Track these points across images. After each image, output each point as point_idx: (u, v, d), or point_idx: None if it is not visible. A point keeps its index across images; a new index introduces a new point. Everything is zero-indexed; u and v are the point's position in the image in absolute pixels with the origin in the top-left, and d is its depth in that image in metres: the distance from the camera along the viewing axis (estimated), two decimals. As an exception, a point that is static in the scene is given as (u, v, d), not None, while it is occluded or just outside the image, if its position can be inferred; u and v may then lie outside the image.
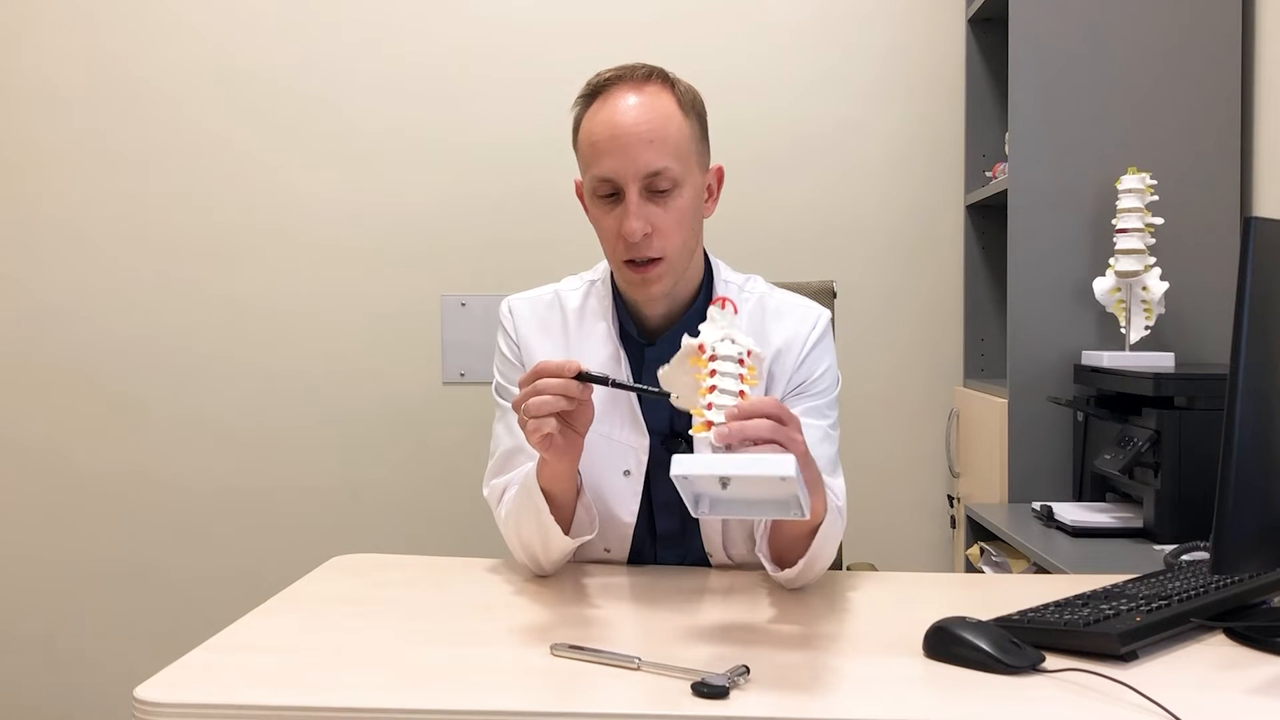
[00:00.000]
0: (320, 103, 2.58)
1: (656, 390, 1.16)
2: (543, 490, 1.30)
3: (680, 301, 1.44)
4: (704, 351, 1.09)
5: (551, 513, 1.31)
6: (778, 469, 1.00)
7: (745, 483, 1.03)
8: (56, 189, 2.61)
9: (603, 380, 1.20)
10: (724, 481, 1.02)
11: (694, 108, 1.40)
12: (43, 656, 2.62)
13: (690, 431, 1.10)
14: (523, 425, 1.21)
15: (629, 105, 1.34)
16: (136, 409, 2.61)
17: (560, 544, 1.34)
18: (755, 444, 1.06)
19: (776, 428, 1.07)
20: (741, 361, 1.10)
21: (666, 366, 1.14)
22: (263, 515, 2.60)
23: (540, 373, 1.19)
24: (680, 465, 1.02)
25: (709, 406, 1.07)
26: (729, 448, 1.06)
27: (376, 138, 2.58)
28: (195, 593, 2.58)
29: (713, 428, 1.06)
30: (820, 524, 1.24)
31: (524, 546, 1.36)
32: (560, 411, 1.19)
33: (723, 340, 1.10)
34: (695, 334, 1.12)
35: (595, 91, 1.38)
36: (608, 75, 1.38)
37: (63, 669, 2.62)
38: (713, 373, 1.08)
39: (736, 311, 1.14)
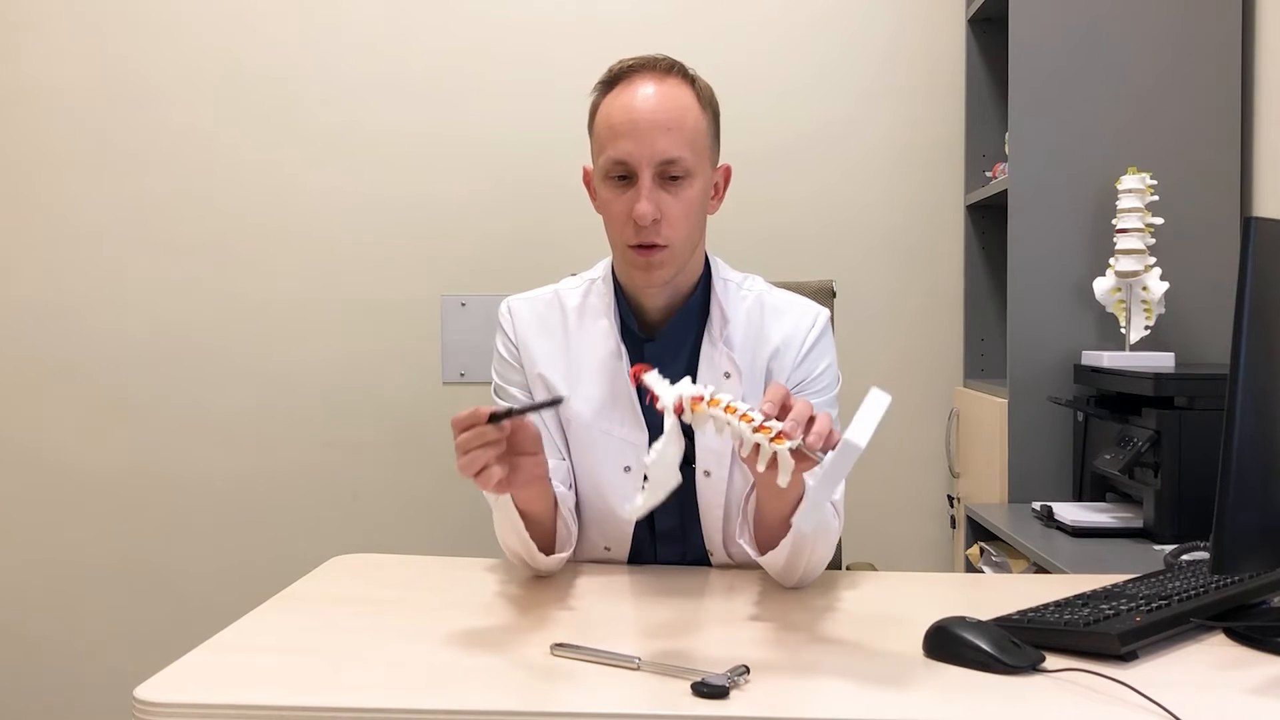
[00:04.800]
0: (320, 102, 2.58)
1: (549, 401, 1.29)
2: (519, 510, 1.30)
3: (680, 295, 1.45)
4: (703, 399, 1.05)
5: (530, 529, 1.31)
6: (886, 400, 1.02)
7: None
8: (56, 188, 2.61)
9: (506, 414, 1.17)
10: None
11: (710, 104, 1.42)
12: (43, 656, 2.62)
13: (764, 450, 1.04)
14: (472, 475, 1.18)
15: (649, 93, 1.36)
16: (136, 408, 2.60)
17: (542, 563, 1.35)
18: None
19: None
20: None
21: (657, 449, 1.05)
22: (263, 515, 2.60)
23: (456, 428, 1.17)
24: (862, 435, 1.00)
25: (760, 428, 1.04)
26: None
27: (376, 137, 2.58)
28: (195, 593, 2.58)
29: (802, 430, 1.04)
30: (799, 501, 1.25)
31: (513, 554, 1.38)
32: (495, 454, 1.17)
33: (702, 387, 1.07)
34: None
35: (616, 78, 1.40)
36: (630, 63, 1.40)
37: (63, 669, 2.62)
38: (729, 408, 1.05)
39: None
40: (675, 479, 1.06)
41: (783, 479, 1.04)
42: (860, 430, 1.00)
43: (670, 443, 1.06)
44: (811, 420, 1.06)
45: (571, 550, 1.41)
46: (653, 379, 1.10)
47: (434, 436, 2.58)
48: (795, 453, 1.04)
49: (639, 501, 1.06)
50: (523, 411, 1.21)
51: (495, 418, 1.18)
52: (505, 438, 1.18)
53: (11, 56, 2.60)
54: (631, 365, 1.43)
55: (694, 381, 1.09)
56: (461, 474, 1.18)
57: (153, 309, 2.60)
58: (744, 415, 1.05)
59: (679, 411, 1.06)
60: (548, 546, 1.35)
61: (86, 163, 2.60)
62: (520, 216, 2.56)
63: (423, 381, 2.59)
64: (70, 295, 2.61)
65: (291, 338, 2.60)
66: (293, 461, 2.60)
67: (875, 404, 1.03)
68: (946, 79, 2.53)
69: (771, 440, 1.03)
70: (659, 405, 1.07)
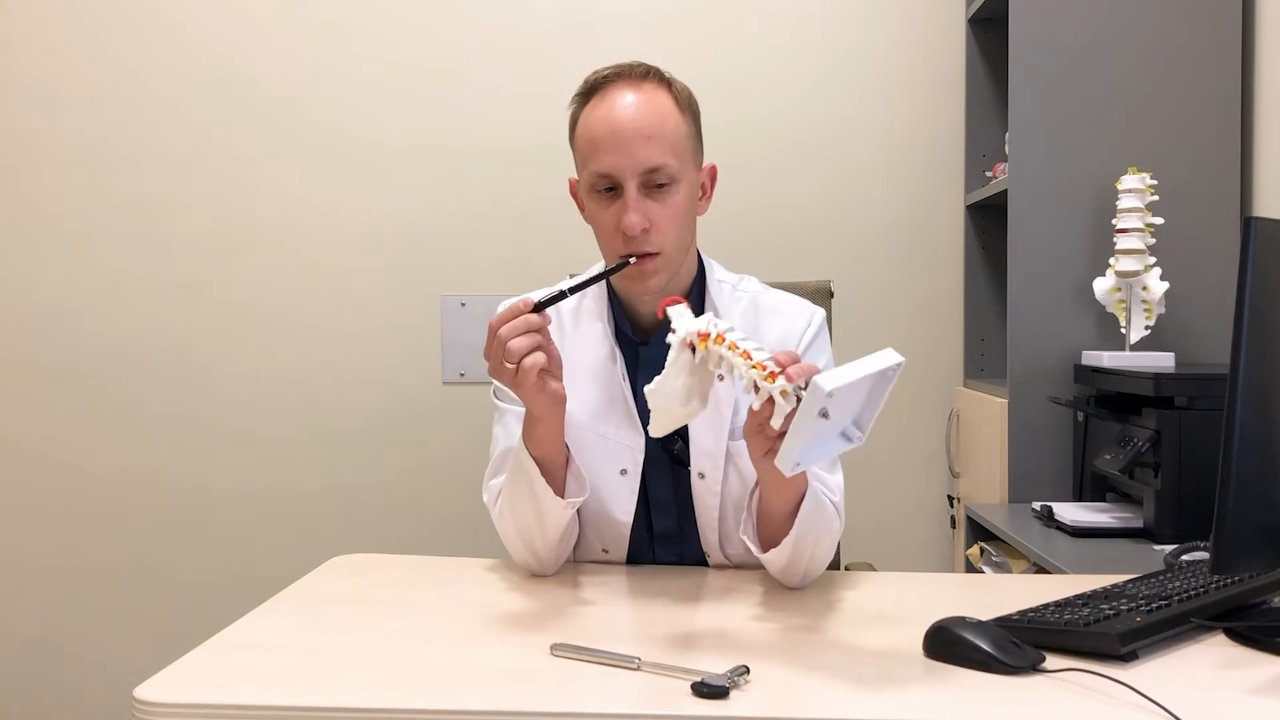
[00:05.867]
0: (320, 104, 2.58)
1: (614, 268, 1.29)
2: (534, 458, 1.31)
3: None
4: (708, 337, 1.10)
5: (546, 478, 1.32)
6: (891, 360, 1.04)
7: (851, 397, 1.04)
8: (55, 190, 2.61)
9: (558, 296, 1.23)
10: (825, 412, 1.02)
11: (689, 106, 1.41)
12: (43, 656, 2.62)
13: (761, 389, 1.07)
14: (510, 379, 1.21)
15: (628, 102, 1.35)
16: (137, 410, 2.60)
17: (555, 513, 1.33)
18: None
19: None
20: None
21: (657, 380, 1.13)
22: (263, 515, 2.60)
23: (497, 325, 1.21)
24: (830, 380, 1.00)
25: (757, 365, 1.07)
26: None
27: (376, 138, 2.58)
28: (195, 593, 2.58)
29: (787, 370, 1.06)
30: (803, 498, 1.26)
31: (520, 534, 1.36)
32: (540, 341, 1.21)
33: (712, 322, 1.11)
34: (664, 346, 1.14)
35: (593, 89, 1.39)
36: (605, 73, 1.39)
37: (63, 669, 2.62)
38: (733, 345, 1.09)
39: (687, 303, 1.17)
40: (683, 412, 1.13)
41: (775, 420, 1.06)
42: (833, 377, 1.01)
43: (670, 376, 1.12)
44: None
45: (575, 536, 1.41)
46: (677, 312, 1.15)
47: (434, 436, 2.58)
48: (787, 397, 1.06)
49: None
50: (578, 289, 1.26)
51: (541, 306, 1.22)
52: (545, 338, 1.22)
53: (10, 58, 2.60)
54: (626, 364, 1.44)
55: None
56: (494, 375, 1.23)
57: (153, 311, 2.60)
58: (745, 353, 1.08)
59: (689, 346, 1.12)
60: (559, 494, 1.34)
61: (85, 166, 2.60)
62: (520, 217, 2.56)
63: (423, 381, 2.59)
64: (70, 298, 2.61)
65: (292, 338, 2.60)
66: (292, 461, 2.59)
67: (875, 359, 1.05)
68: (946, 79, 2.53)
69: (765, 378, 1.07)
70: (669, 338, 1.13)
